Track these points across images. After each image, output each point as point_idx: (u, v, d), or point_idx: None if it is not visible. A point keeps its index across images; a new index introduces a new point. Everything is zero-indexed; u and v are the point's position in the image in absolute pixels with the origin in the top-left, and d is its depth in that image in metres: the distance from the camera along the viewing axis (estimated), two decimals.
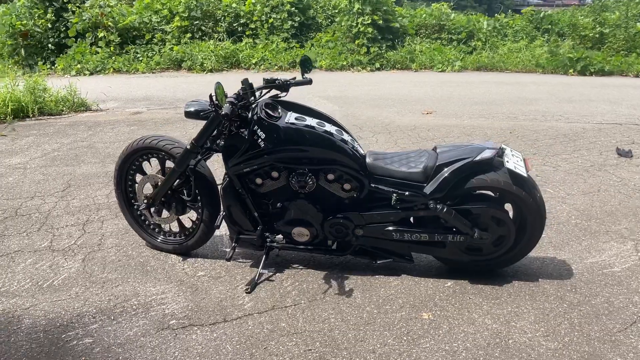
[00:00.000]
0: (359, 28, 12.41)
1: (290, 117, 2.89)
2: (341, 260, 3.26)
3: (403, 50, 12.47)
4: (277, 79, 3.09)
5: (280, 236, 3.08)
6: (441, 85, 9.94)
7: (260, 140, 2.82)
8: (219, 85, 2.72)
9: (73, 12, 13.85)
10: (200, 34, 13.63)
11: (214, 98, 2.70)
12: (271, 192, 3.00)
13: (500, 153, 2.84)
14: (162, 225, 3.39)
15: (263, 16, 13.40)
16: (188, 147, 2.98)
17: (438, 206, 2.81)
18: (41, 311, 2.76)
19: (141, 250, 3.41)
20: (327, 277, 3.09)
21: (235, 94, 2.82)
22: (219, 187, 3.07)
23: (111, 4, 13.93)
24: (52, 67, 13.85)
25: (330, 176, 2.92)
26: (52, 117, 7.53)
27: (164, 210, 3.26)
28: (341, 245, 3.10)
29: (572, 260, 3.24)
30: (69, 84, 8.07)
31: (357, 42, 12.46)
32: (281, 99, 3.07)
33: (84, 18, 13.67)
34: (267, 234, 3.10)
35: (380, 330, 2.58)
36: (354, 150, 2.91)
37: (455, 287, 2.96)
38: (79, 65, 13.08)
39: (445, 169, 2.80)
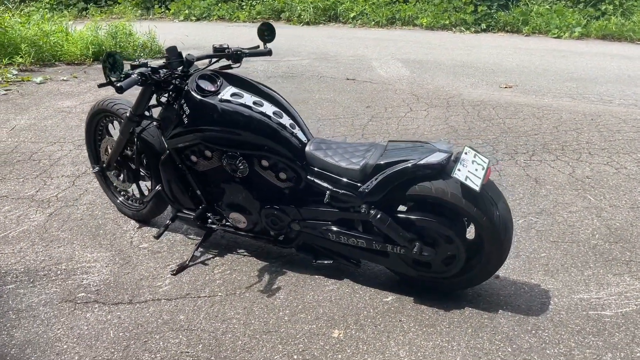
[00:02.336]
0: None
1: (227, 93, 2.60)
2: (290, 252, 2.97)
3: (516, 11, 11.15)
4: (227, 48, 2.79)
5: (223, 219, 2.86)
6: (544, 53, 8.77)
7: (184, 115, 2.58)
8: (108, 56, 2.38)
9: None
10: None
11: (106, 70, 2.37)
12: (208, 171, 2.77)
13: (454, 159, 2.33)
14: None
15: None
16: (127, 115, 2.83)
17: (371, 211, 2.40)
18: None
19: (106, 212, 3.40)
20: (263, 269, 2.84)
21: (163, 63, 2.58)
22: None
23: None
24: (167, 10, 14.46)
25: (265, 162, 2.62)
26: (127, 62, 7.81)
27: (121, 174, 3.19)
28: (287, 237, 2.81)
29: (559, 292, 2.65)
30: (148, 30, 8.31)
31: None
32: (228, 71, 2.77)
33: None
34: (209, 214, 2.90)
35: (275, 343, 2.31)
36: (292, 137, 2.56)
37: (393, 304, 2.56)
38: (187, 11, 13.50)
39: (384, 170, 2.36)
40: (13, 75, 6.73)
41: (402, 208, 2.54)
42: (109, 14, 14.77)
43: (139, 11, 14.69)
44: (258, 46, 2.99)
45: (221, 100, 2.55)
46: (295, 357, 2.23)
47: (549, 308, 2.53)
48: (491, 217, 2.30)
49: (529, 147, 4.62)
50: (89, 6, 15.14)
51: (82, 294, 2.62)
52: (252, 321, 2.44)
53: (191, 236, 3.12)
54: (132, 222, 3.29)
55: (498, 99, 6.11)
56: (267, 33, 2.88)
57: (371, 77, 7.14)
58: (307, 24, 12.22)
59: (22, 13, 9.01)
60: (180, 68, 2.66)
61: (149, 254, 2.96)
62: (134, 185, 3.21)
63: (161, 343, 2.30)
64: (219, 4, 13.45)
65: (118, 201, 3.32)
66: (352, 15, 12.11)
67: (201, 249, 2.99)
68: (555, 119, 5.41)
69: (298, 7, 12.33)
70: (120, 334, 2.35)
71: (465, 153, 2.35)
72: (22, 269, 2.80)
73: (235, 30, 11.43)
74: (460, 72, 7.48)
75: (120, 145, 2.98)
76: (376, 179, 2.37)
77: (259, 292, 2.65)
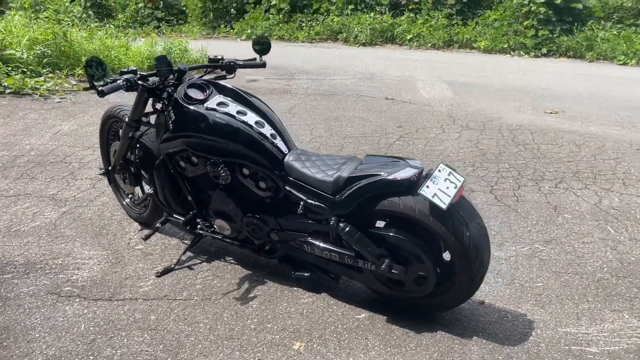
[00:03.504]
0: (530, 7, 10.97)
1: (214, 101, 2.66)
2: (275, 263, 2.97)
3: (580, 36, 10.70)
4: (221, 59, 2.87)
5: (212, 226, 2.92)
6: (603, 80, 8.35)
7: (170, 122, 2.67)
8: (91, 61, 2.51)
9: None
10: (363, 5, 13.47)
11: (88, 74, 2.48)
12: (195, 177, 2.84)
13: (425, 175, 2.26)
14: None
15: None
16: (126, 120, 2.96)
17: (340, 224, 2.37)
18: None
19: (114, 214, 3.55)
20: (244, 278, 2.85)
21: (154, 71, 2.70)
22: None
23: None
24: (231, 30, 15.03)
25: (245, 171, 2.65)
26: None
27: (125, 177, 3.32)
28: (270, 248, 2.82)
29: (544, 324, 2.48)
30: (202, 47, 8.65)
31: (525, 23, 11.06)
32: (221, 82, 2.84)
33: None
34: (199, 220, 2.96)
35: (233, 349, 2.31)
36: (271, 146, 2.58)
37: (363, 322, 2.50)
38: (249, 30, 13.97)
39: (355, 184, 2.33)
40: (71, 85, 7.21)
41: (380, 225, 2.48)
42: (178, 32, 15.56)
43: (206, 30, 15.36)
44: (255, 59, 3.05)
45: (207, 109, 2.61)
46: None
47: (528, 339, 2.38)
48: (459, 236, 2.20)
49: (558, 174, 4.40)
50: (161, 25, 16.02)
51: (68, 288, 2.74)
52: (218, 327, 2.46)
53: (186, 242, 3.19)
54: (136, 224, 3.41)
55: (539, 125, 5.87)
56: (261, 46, 2.94)
57: (411, 98, 7.07)
58: (364, 45, 12.30)
59: (88, 28, 9.66)
60: (175, 76, 2.75)
61: (141, 256, 3.06)
62: (139, 189, 3.33)
63: (125, 340, 2.36)
64: (280, 25, 13.83)
65: (124, 203, 3.46)
66: (408, 37, 12.08)
67: (190, 254, 3.06)
68: (596, 147, 5.12)
69: (355, 29, 12.45)
70: (90, 328, 2.43)
71: (439, 170, 2.27)
72: (22, 261, 2.96)
73: (291, 49, 11.70)
74: (507, 96, 7.26)
75: (122, 149, 3.12)
76: (346, 192, 2.34)
77: (233, 299, 2.66)
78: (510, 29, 11.31)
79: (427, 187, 2.19)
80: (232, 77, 2.96)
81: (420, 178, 2.26)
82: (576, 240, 3.28)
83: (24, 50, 7.44)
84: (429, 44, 11.75)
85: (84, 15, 13.93)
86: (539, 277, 2.88)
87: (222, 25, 15.27)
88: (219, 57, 2.93)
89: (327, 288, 2.76)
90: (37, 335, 2.37)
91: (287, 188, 2.56)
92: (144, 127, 2.99)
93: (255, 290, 2.74)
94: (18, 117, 5.77)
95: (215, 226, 2.88)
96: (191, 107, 2.61)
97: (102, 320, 2.49)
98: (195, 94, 2.68)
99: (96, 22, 13.65)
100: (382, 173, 2.28)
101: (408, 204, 2.24)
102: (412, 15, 12.70)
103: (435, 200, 2.15)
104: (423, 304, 2.50)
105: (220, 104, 2.65)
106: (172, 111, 2.66)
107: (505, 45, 11.05)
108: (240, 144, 2.56)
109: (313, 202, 2.46)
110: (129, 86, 2.56)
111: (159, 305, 2.60)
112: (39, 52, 7.57)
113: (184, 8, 16.67)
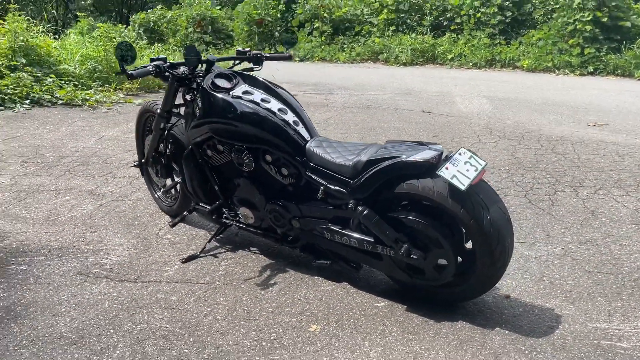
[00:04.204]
0: (576, 25, 10.76)
1: (240, 90, 2.73)
2: (299, 254, 2.97)
3: (629, 54, 10.40)
4: (248, 51, 2.96)
5: (237, 216, 2.97)
6: None
7: (197, 108, 2.75)
8: (123, 45, 2.64)
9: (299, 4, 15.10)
10: (404, 27, 13.56)
11: (118, 59, 2.61)
12: (221, 166, 2.90)
13: (444, 158, 2.24)
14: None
15: (471, 10, 12.63)
16: (158, 111, 3.07)
17: (359, 207, 2.36)
18: (22, 236, 3.19)
19: (147, 208, 3.65)
20: (267, 266, 2.87)
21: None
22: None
23: None
24: (276, 52, 15.33)
25: (268, 157, 2.69)
26: None
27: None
28: (293, 237, 2.84)
29: (573, 319, 2.38)
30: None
31: (570, 41, 10.84)
32: (249, 73, 2.92)
33: (306, 9, 14.79)
34: (225, 210, 3.01)
35: (249, 329, 2.31)
36: (294, 133, 2.62)
37: (382, 309, 2.46)
38: (291, 52, 14.21)
39: (373, 167, 2.33)
40: (118, 98, 7.53)
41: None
42: (224, 53, 16.04)
43: None
44: (282, 52, 3.12)
45: (233, 96, 2.68)
46: (264, 344, 2.22)
47: (554, 332, 2.29)
48: (479, 220, 2.15)
49: (598, 181, 4.25)
50: (209, 48, 16.57)
51: (97, 270, 2.82)
52: (237, 308, 2.47)
53: (213, 233, 3.24)
54: (167, 217, 3.50)
55: (581, 136, 5.70)
56: (288, 40, 3.00)
57: (449, 111, 7.01)
58: (404, 64, 12.33)
59: (138, 48, 10.10)
60: (204, 67, 2.85)
61: (169, 244, 3.12)
62: (169, 181, 3.42)
63: (146, 317, 2.41)
64: (322, 47, 14.06)
65: (156, 196, 3.56)
66: (449, 57, 12.04)
67: (216, 244, 3.10)
68: None
69: (396, 49, 12.52)
70: (114, 306, 2.49)
71: (460, 154, 2.24)
72: (56, 246, 3.08)
73: (331, 69, 11.85)
74: (548, 109, 7.10)
75: (154, 141, 3.22)
76: (364, 175, 2.34)
77: (254, 285, 2.68)
78: (555, 48, 11.10)
79: (447, 168, 2.16)
80: (259, 69, 3.03)
81: (440, 161, 2.23)
82: (613, 243, 3.14)
83: (76, 65, 7.84)
84: (470, 63, 11.68)
85: (137, 39, 14.58)
86: (570, 275, 2.77)
87: (266, 48, 15.65)
88: (247, 49, 3.01)
89: (347, 278, 2.74)
90: (62, 310, 2.45)
91: (308, 174, 2.58)
92: (174, 118, 3.09)
93: (276, 277, 2.75)
94: (66, 125, 6.06)
95: (239, 215, 2.92)
96: (217, 95, 2.69)
97: (125, 299, 2.55)
98: (222, 83, 2.76)
99: (147, 45, 14.25)
100: (401, 156, 2.27)
101: (427, 186, 2.22)
102: (453, 35, 12.68)
103: (454, 182, 2.12)
104: (443, 293, 2.44)
105: (245, 92, 2.71)
106: (199, 99, 2.75)
107: (550, 64, 10.85)
108: (263, 129, 2.60)
109: (333, 186, 2.46)
110: (158, 72, 2.66)
111: (181, 288, 2.65)
112: (90, 67, 7.96)
113: (231, 32, 17.20)
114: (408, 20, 13.54)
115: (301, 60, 14.01)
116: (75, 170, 4.45)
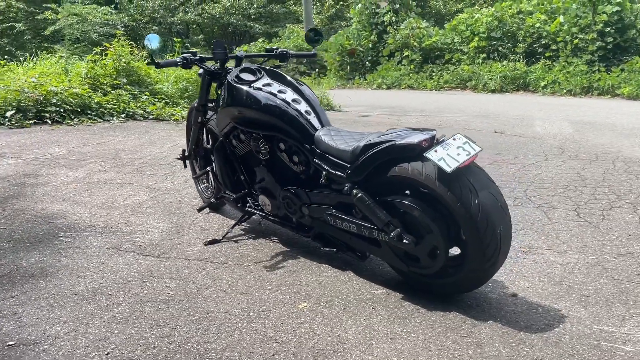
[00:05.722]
0: None
1: (261, 82, 2.91)
2: (316, 245, 3.03)
3: None
4: (276, 49, 3.14)
5: (260, 205, 3.11)
6: None
7: (221, 99, 2.96)
8: (152, 36, 2.88)
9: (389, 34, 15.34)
10: (495, 54, 13.26)
11: (148, 50, 2.87)
12: (244, 155, 3.07)
13: (436, 142, 2.23)
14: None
15: (568, 37, 12.09)
16: (195, 105, 3.33)
17: (354, 190, 2.40)
18: (77, 216, 3.56)
19: (192, 201, 3.91)
20: (280, 253, 2.97)
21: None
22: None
23: (421, 26, 14.86)
24: (364, 80, 15.67)
25: (282, 145, 2.82)
26: None
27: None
28: (308, 226, 2.92)
29: (578, 320, 2.22)
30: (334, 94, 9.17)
31: None
32: (270, 68, 3.09)
33: (396, 39, 14.99)
34: (249, 199, 3.17)
35: (242, 300, 2.42)
36: (305, 121, 2.73)
37: (378, 296, 2.46)
38: (380, 80, 14.45)
39: (369, 150, 2.37)
40: None
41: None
42: (317, 83, 16.60)
43: (341, 81, 16.20)
44: (308, 49, 3.26)
45: (253, 88, 2.86)
46: (251, 314, 2.31)
47: (551, 330, 2.15)
48: (466, 203, 2.11)
49: None
50: (302, 77, 17.25)
51: (128, 245, 3.08)
52: (239, 284, 2.59)
53: (243, 225, 3.40)
54: (207, 209, 3.72)
55: None
56: (314, 36, 3.15)
57: (522, 132, 6.75)
58: (493, 92, 12.03)
59: None
60: (235, 63, 3.07)
61: (200, 230, 3.33)
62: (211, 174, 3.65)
63: (155, 284, 2.59)
64: (410, 75, 14.11)
65: (199, 188, 3.81)
66: (542, 84, 11.56)
67: (240, 232, 3.26)
68: None
69: (485, 76, 12.26)
70: (131, 274, 2.71)
71: (454, 139, 2.23)
72: (102, 225, 3.40)
73: (415, 95, 11.85)
74: (635, 134, 6.59)
75: (194, 135, 3.48)
76: (360, 159, 2.39)
77: (262, 267, 2.79)
78: None
79: (436, 151, 2.16)
80: (285, 66, 3.18)
81: (432, 144, 2.23)
82: None
83: (169, 85, 8.57)
84: (565, 90, 11.13)
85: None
86: (593, 282, 2.58)
87: (357, 77, 15.99)
88: (274, 47, 3.19)
89: (354, 267, 2.76)
90: (87, 273, 2.71)
91: (316, 161, 2.66)
92: (211, 112, 3.33)
93: (285, 262, 2.84)
94: (149, 135, 6.63)
95: (260, 203, 3.06)
96: (238, 85, 2.88)
97: (143, 269, 2.76)
98: (246, 76, 2.95)
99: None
100: (395, 140, 2.29)
101: (416, 168, 2.22)
102: (548, 62, 12.18)
103: (441, 164, 2.11)
104: (439, 283, 2.39)
105: (265, 84, 2.88)
106: (223, 89, 2.96)
107: None
108: (277, 117, 2.75)
109: (334, 171, 2.53)
110: (185, 64, 2.91)
111: (195, 265, 2.82)
112: (181, 86, 8.65)
113: (325, 62, 17.80)
114: (500, 48, 13.22)
115: (388, 88, 14.14)
116: (143, 169, 4.87)
